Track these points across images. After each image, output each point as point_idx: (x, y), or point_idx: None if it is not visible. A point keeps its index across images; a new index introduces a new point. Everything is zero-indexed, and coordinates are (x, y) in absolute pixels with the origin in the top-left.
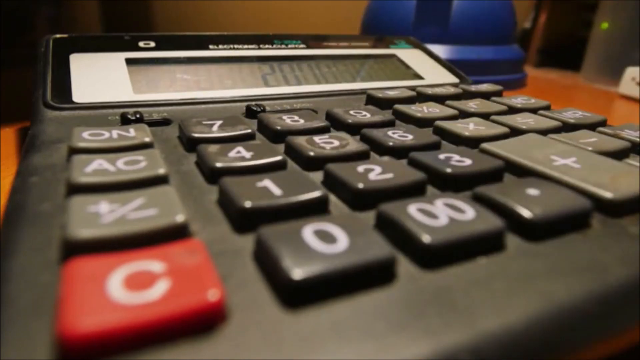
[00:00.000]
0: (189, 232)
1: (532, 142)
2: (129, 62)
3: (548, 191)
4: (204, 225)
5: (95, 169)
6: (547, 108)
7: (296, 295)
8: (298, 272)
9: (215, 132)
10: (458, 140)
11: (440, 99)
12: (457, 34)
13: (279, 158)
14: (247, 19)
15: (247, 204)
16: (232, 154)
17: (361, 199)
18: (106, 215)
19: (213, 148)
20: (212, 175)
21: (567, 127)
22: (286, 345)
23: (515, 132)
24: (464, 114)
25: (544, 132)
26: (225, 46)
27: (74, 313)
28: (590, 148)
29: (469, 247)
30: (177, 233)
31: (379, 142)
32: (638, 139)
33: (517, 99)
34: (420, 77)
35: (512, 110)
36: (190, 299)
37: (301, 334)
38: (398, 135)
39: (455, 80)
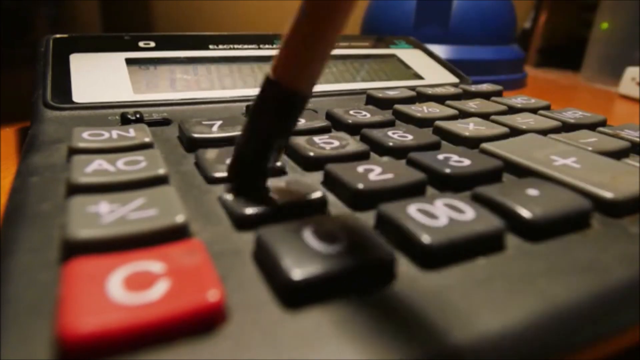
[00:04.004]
0: (189, 232)
1: (532, 142)
2: (129, 62)
3: (548, 191)
4: (204, 225)
5: (95, 169)
6: (547, 108)
7: (296, 295)
8: (298, 272)
9: (215, 132)
10: (458, 140)
11: (440, 99)
12: (457, 34)
13: None
14: (247, 19)
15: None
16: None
17: (361, 199)
18: (106, 215)
19: (211, 154)
20: (211, 180)
21: (567, 127)
22: (286, 345)
23: (515, 132)
24: (464, 114)
25: (544, 132)
26: (225, 46)
27: (74, 313)
28: (590, 148)
29: (469, 247)
30: (177, 233)
31: (379, 142)
32: (638, 139)
33: (517, 99)
34: (420, 77)
35: (512, 110)
36: (190, 299)
37: (301, 334)
38: (398, 136)
39: (455, 80)
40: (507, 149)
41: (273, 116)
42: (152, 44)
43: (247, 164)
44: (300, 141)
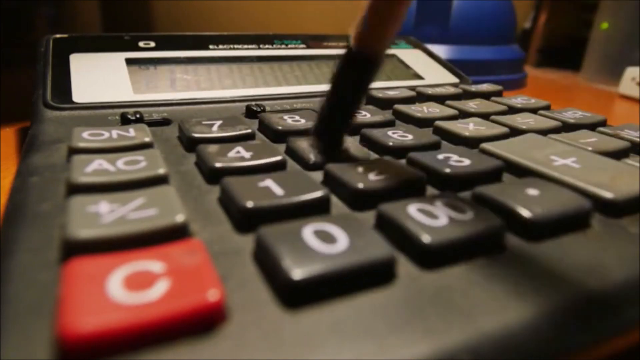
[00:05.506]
0: (189, 232)
1: (532, 142)
2: (129, 62)
3: (548, 191)
4: (204, 225)
5: (95, 169)
6: (547, 108)
7: (296, 295)
8: (298, 272)
9: (215, 132)
10: (458, 140)
11: (440, 99)
12: (457, 34)
13: (278, 158)
14: (247, 19)
15: (249, 204)
16: (232, 154)
17: (361, 199)
18: (106, 215)
19: (213, 148)
20: (212, 176)
21: (567, 127)
22: (286, 345)
23: (515, 132)
24: (464, 114)
25: (544, 132)
26: (225, 46)
27: (74, 313)
28: (590, 148)
29: (469, 247)
30: (177, 233)
31: (379, 142)
32: (638, 139)
33: (517, 99)
34: (420, 77)
35: (512, 110)
36: (190, 299)
37: (301, 334)
38: (398, 135)
39: (455, 80)
40: (507, 149)
41: (352, 80)
42: (152, 44)
43: (331, 124)
44: (301, 141)
